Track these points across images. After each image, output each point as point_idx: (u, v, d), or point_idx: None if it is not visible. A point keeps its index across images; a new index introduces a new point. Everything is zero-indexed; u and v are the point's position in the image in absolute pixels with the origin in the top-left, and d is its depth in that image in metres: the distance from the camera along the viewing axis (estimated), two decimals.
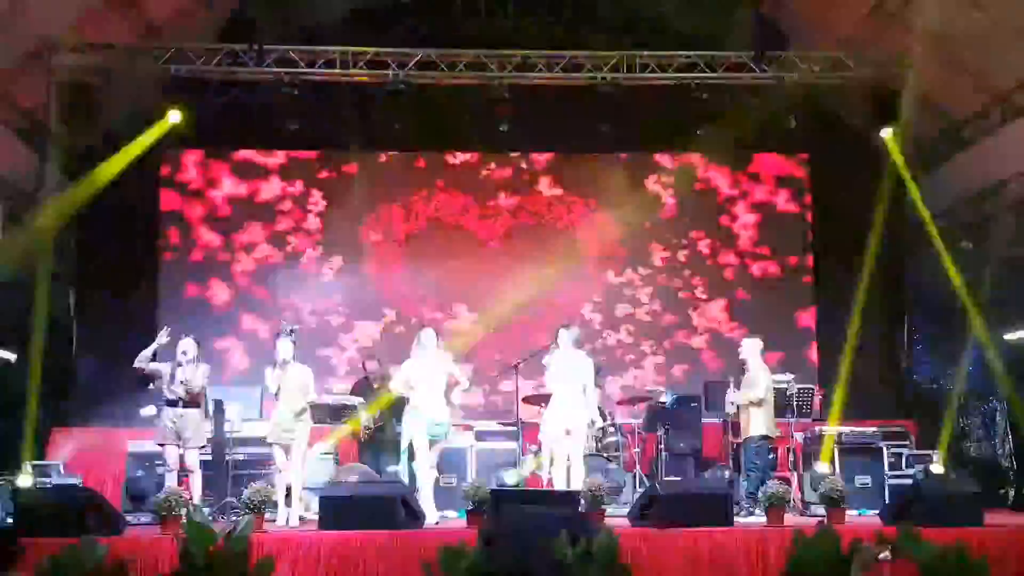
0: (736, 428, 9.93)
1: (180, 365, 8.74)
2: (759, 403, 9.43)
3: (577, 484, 8.57)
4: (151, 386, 10.04)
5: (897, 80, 11.48)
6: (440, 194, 13.30)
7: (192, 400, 8.76)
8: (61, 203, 11.05)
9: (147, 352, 8.78)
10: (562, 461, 8.83)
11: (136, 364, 8.83)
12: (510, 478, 9.65)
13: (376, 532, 7.35)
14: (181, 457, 8.69)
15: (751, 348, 9.68)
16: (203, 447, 9.04)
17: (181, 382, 8.68)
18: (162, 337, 8.90)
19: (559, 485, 8.78)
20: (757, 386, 9.46)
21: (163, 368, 8.79)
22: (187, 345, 8.81)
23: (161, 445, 8.79)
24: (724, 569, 7.27)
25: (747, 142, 12.61)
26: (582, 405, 8.93)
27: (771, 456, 9.78)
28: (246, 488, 8.02)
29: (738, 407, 9.64)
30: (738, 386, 9.68)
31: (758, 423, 9.43)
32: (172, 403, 8.72)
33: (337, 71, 11.63)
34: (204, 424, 8.99)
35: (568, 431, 8.82)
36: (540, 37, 12.30)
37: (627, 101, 11.83)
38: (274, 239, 13.13)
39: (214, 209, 13.11)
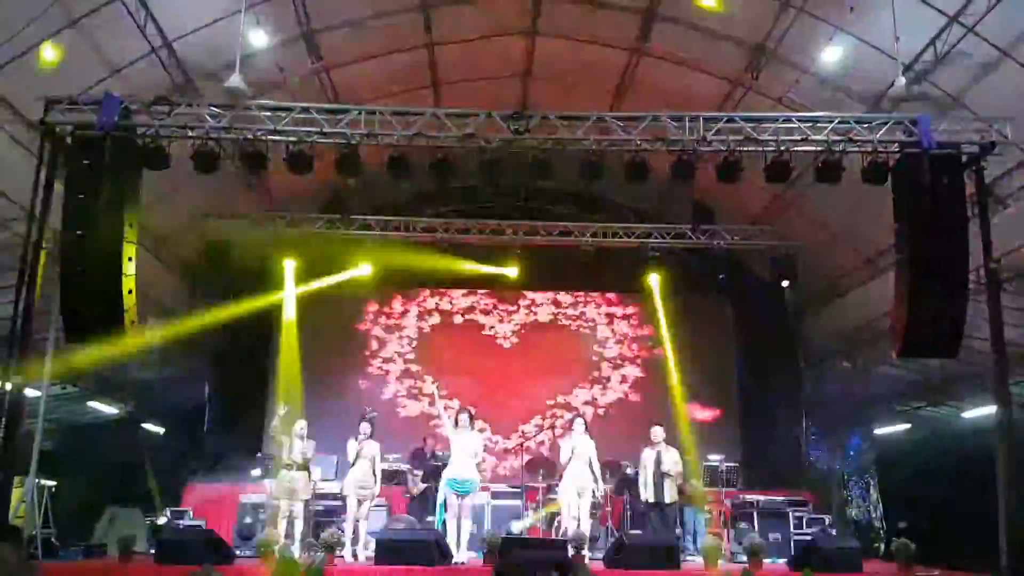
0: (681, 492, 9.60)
1: (293, 442, 8.65)
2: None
3: (586, 530, 8.39)
4: (259, 454, 9.98)
5: (793, 248, 11.66)
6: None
7: (302, 465, 8.64)
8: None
9: (276, 423, 8.83)
10: (575, 513, 8.61)
11: (271, 433, 8.95)
12: (516, 527, 9.37)
13: (417, 567, 7.14)
14: (291, 510, 8.52)
15: (663, 433, 9.45)
16: (307, 500, 8.88)
17: (301, 453, 8.60)
18: (280, 410, 8.90)
19: (572, 531, 8.45)
20: (680, 463, 9.27)
21: (285, 440, 8.69)
22: (301, 424, 8.81)
23: (276, 499, 8.63)
24: None
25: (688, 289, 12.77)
26: (589, 474, 8.69)
27: None
28: (323, 532, 7.82)
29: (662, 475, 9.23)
30: (659, 463, 9.23)
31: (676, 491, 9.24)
32: (288, 467, 8.60)
33: (400, 233, 11.82)
34: (309, 484, 8.84)
35: (579, 493, 8.65)
36: (543, 212, 12.55)
37: (602, 257, 12.00)
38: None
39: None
